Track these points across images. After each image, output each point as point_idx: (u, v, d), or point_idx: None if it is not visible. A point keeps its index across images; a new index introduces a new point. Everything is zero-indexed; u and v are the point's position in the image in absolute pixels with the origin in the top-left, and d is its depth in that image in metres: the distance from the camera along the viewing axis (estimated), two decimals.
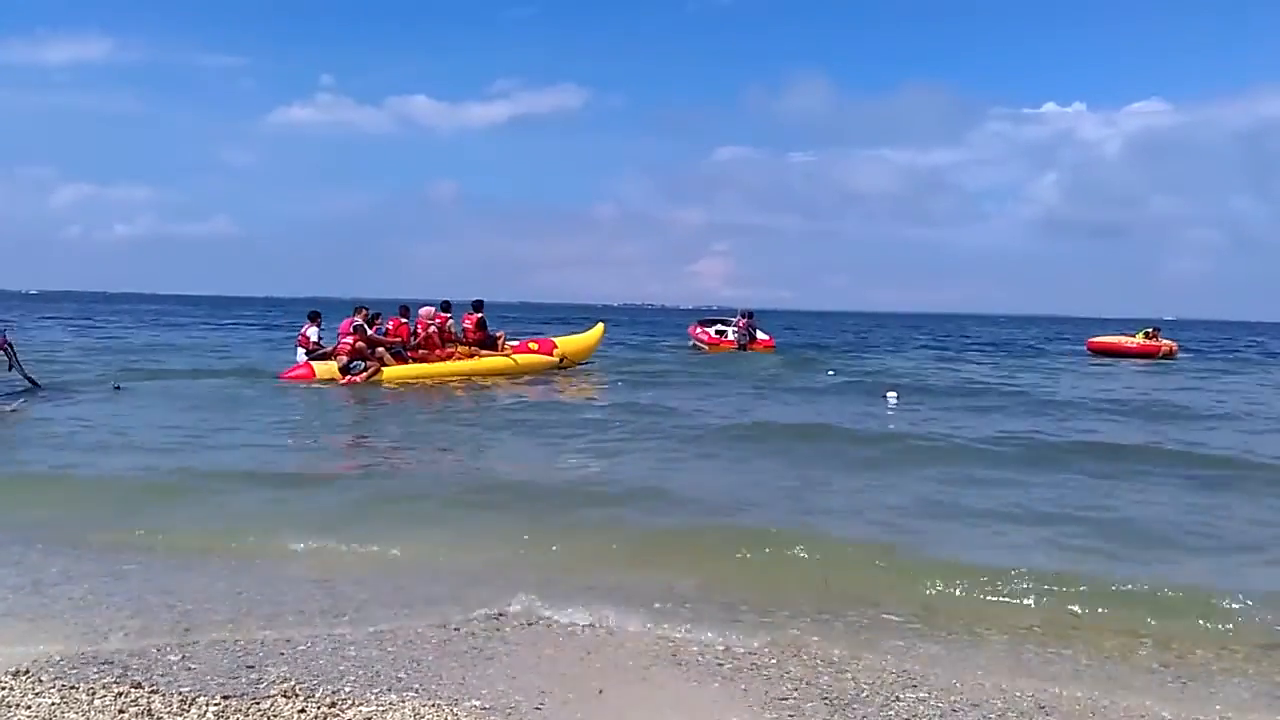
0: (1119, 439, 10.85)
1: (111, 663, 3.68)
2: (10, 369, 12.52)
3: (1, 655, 3.72)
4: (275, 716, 3.16)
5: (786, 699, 3.55)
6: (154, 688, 3.40)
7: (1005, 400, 15.35)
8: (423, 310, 15.62)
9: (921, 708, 3.51)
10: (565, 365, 18.03)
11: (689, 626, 4.36)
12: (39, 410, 11.25)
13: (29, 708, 3.16)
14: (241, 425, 10.45)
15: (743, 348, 26.54)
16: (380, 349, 14.62)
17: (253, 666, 3.69)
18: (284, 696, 3.33)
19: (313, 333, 15.31)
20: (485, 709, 3.35)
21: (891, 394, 14.78)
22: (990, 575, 5.04)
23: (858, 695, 3.61)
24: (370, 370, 14.31)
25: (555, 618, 4.43)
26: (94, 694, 3.30)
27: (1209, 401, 15.85)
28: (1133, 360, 27.61)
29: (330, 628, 4.24)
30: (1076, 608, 4.69)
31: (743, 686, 3.68)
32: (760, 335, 27.56)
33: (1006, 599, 4.82)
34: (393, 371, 14.62)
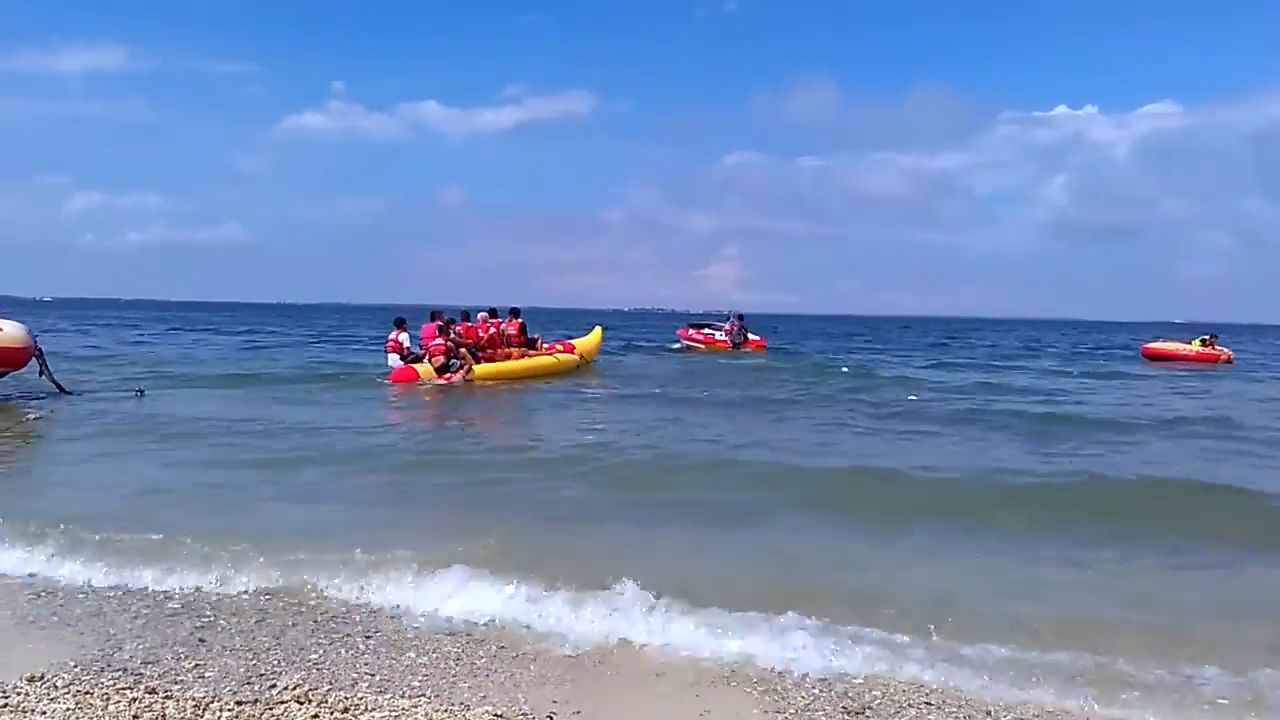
0: None
1: (125, 669, 3.69)
2: (40, 374, 12.67)
3: (17, 661, 3.74)
4: None
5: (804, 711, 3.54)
6: (167, 694, 3.40)
7: (1208, 433, 11.97)
8: (479, 315, 17.50)
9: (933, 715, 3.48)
10: (584, 363, 20.08)
11: (706, 636, 4.33)
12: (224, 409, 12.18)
13: (44, 713, 3.17)
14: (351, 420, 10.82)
15: (736, 346, 28.84)
16: (464, 350, 16.18)
17: (265, 674, 3.69)
18: (297, 702, 3.34)
19: (404, 338, 16.74)
20: (498, 716, 3.35)
21: (912, 396, 15.79)
22: None
23: (871, 704, 3.58)
24: (465, 369, 15.84)
25: (570, 625, 4.42)
26: (108, 700, 3.31)
27: None
28: (1191, 366, 26.26)
29: (343, 633, 4.24)
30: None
31: (758, 695, 3.66)
32: (751, 336, 29.63)
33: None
34: (479, 370, 16.25)
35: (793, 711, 3.51)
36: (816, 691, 3.70)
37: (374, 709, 3.31)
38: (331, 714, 3.24)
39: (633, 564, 5.08)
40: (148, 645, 4.01)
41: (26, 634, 4.17)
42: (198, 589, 4.86)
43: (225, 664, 3.80)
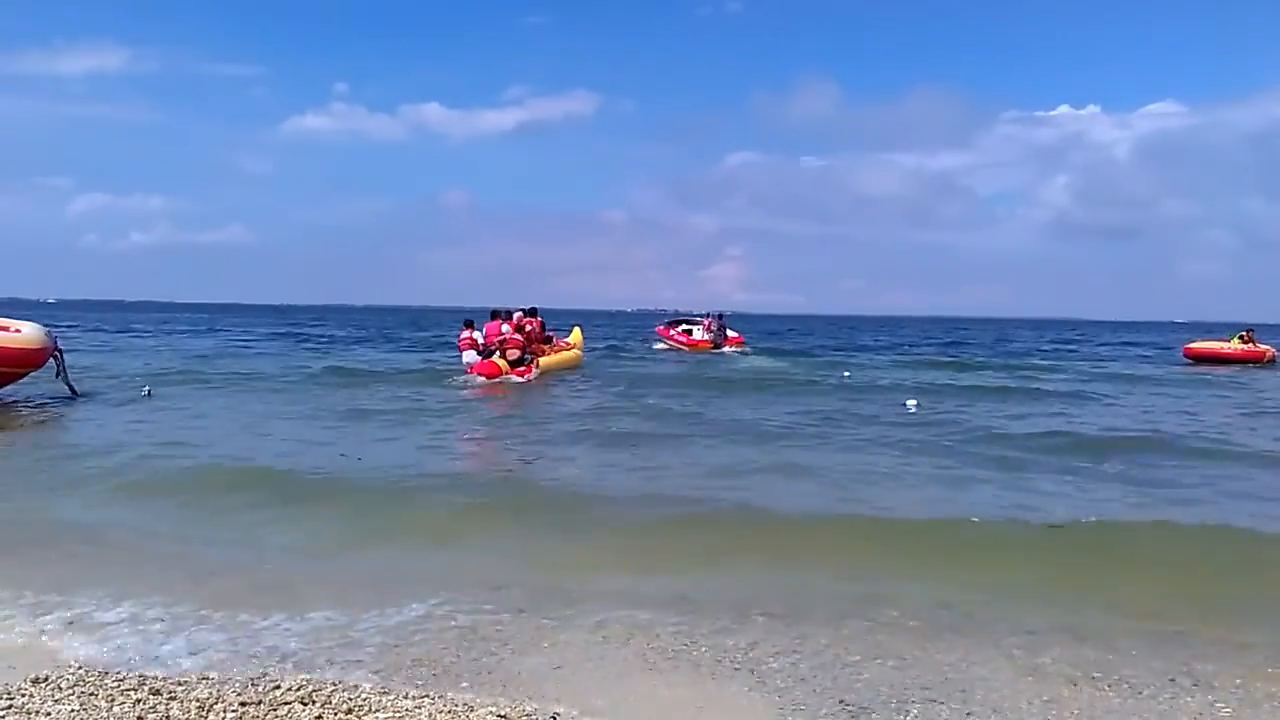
0: None
1: (129, 670, 3.70)
2: (57, 376, 12.73)
3: (21, 662, 3.75)
4: None
5: (804, 704, 3.54)
6: (171, 695, 3.41)
7: None
8: (515, 315, 18.90)
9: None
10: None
11: (707, 628, 4.34)
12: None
13: (48, 715, 3.17)
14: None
15: (717, 345, 29.24)
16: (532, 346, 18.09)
17: (268, 673, 3.70)
18: (301, 703, 3.34)
19: (477, 336, 18.48)
20: (501, 716, 3.34)
21: (911, 401, 14.48)
22: None
23: (874, 699, 3.58)
24: (534, 363, 17.61)
25: (573, 620, 4.42)
26: (112, 701, 3.31)
27: None
28: (1238, 366, 25.62)
29: (348, 633, 4.25)
30: None
31: (761, 688, 3.67)
32: (730, 334, 30.17)
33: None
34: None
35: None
36: None
37: (378, 708, 3.31)
38: (335, 714, 3.24)
39: (636, 562, 5.01)
40: (152, 646, 4.02)
41: (31, 633, 4.17)
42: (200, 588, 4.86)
43: (228, 664, 3.80)
